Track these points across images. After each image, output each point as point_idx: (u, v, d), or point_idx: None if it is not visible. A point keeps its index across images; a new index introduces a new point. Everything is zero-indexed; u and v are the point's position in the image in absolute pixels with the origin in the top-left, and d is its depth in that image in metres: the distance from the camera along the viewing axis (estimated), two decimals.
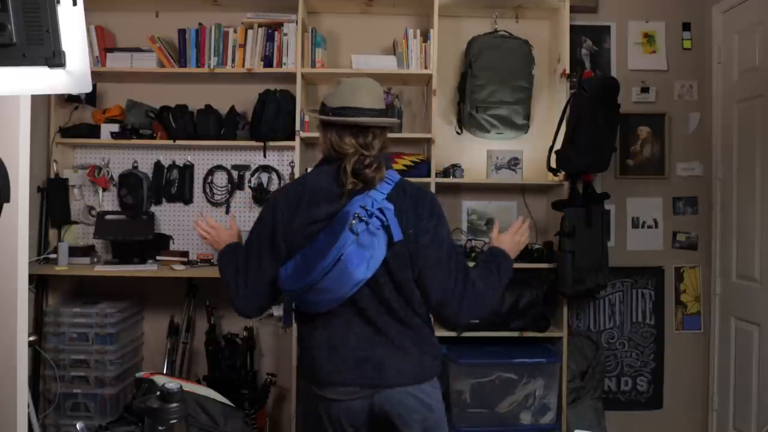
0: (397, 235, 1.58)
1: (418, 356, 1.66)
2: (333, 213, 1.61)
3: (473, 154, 3.31)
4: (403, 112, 3.23)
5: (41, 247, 3.19)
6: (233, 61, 3.16)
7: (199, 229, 1.92)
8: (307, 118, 3.15)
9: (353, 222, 1.54)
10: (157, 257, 3.18)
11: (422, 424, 1.63)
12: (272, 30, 3.17)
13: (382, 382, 1.63)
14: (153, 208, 3.36)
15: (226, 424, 1.81)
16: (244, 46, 3.16)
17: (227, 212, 3.38)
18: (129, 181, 3.30)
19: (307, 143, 3.29)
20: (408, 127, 3.28)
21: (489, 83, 3.14)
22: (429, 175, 3.09)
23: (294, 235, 1.63)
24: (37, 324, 3.04)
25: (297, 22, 3.11)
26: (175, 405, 1.21)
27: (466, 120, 3.21)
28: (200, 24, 3.20)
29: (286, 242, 1.64)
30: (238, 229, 1.92)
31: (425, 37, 3.13)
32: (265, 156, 3.32)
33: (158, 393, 1.23)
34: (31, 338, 1.95)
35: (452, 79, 3.32)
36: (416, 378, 1.66)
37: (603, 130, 2.95)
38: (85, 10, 1.01)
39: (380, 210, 1.58)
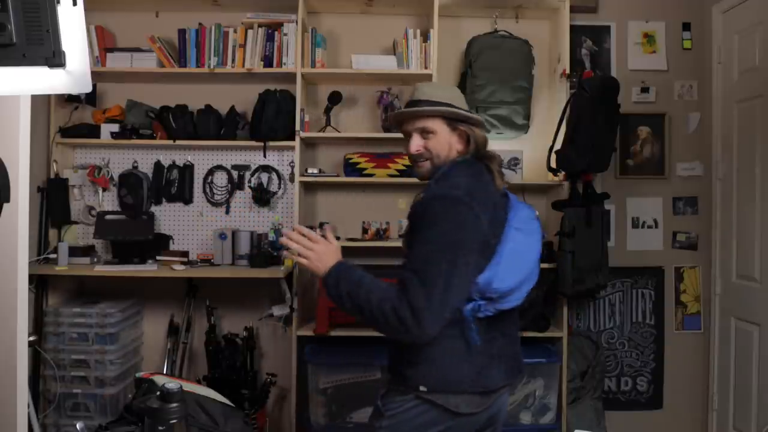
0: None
1: None
2: (506, 206, 1.70)
3: None
4: None
5: (41, 247, 3.19)
6: (233, 61, 3.16)
7: (293, 244, 1.59)
8: (307, 118, 3.15)
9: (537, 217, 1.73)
10: (157, 257, 3.18)
11: None
12: (272, 30, 3.17)
13: (521, 374, 1.79)
14: (153, 208, 3.36)
15: (226, 424, 1.81)
16: (244, 46, 3.16)
17: (227, 212, 3.38)
18: (129, 181, 3.30)
19: (307, 143, 3.29)
20: None
21: (489, 83, 3.14)
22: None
23: (498, 231, 1.61)
24: (37, 324, 3.04)
25: (297, 22, 3.11)
26: (175, 405, 1.22)
27: None
28: (200, 24, 3.20)
29: (494, 241, 1.59)
30: (337, 244, 1.64)
31: (425, 37, 3.13)
32: (265, 156, 3.32)
33: (158, 393, 1.23)
34: (31, 338, 1.95)
35: (452, 79, 3.32)
36: None
37: (603, 130, 2.95)
38: (85, 10, 1.01)
39: None
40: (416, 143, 1.72)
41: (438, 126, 1.69)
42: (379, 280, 1.54)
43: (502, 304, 1.62)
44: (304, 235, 1.60)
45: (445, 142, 1.70)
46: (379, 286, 1.52)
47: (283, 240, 1.61)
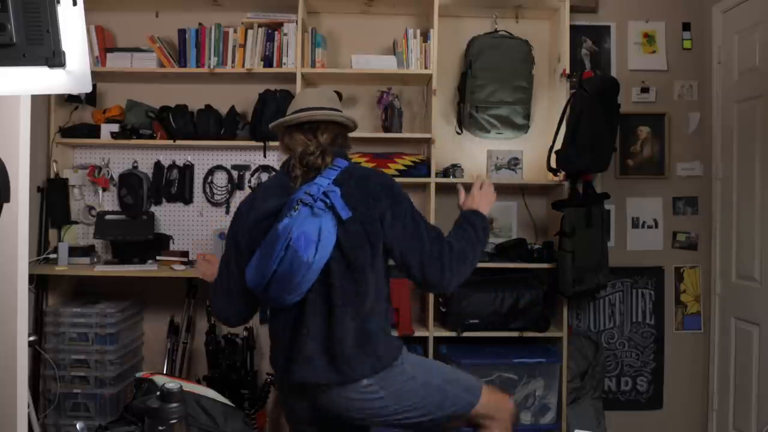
0: (345, 214, 1.65)
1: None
2: (283, 204, 1.69)
3: (473, 154, 3.31)
4: (403, 112, 3.23)
5: (41, 247, 3.19)
6: (233, 61, 3.16)
7: (198, 266, 2.07)
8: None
9: (296, 207, 1.63)
10: (157, 257, 3.17)
11: None
12: (272, 30, 3.17)
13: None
14: (153, 208, 3.36)
15: (226, 424, 1.81)
16: (244, 46, 3.16)
17: (227, 212, 3.38)
18: (129, 181, 3.30)
19: None
20: (408, 127, 3.28)
21: (489, 83, 3.14)
22: (429, 176, 3.09)
23: (250, 232, 1.73)
24: (37, 324, 3.04)
25: (297, 22, 3.11)
26: (175, 405, 1.22)
27: (466, 120, 3.21)
28: (200, 24, 3.20)
29: (245, 241, 1.74)
30: None
31: (425, 37, 3.13)
32: (265, 156, 3.31)
33: (158, 393, 1.23)
34: (31, 338, 1.94)
35: (452, 79, 3.32)
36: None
37: (603, 130, 2.95)
38: (85, 10, 1.01)
39: (324, 194, 1.66)
40: None
41: None
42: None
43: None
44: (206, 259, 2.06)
45: None
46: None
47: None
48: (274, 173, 1.95)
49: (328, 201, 1.65)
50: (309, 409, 1.79)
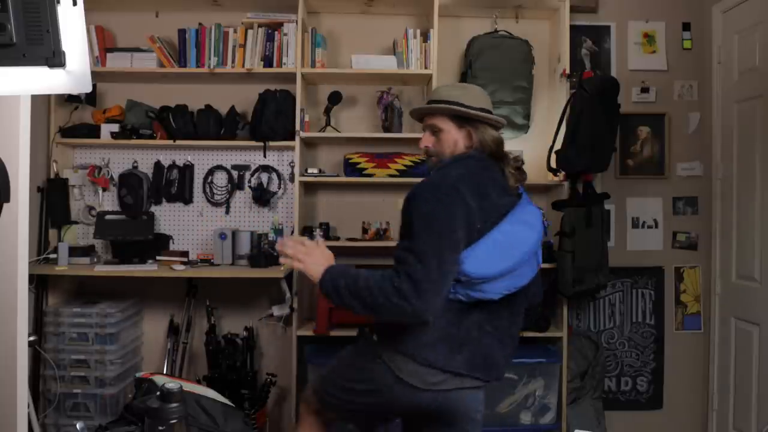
0: None
1: None
2: (512, 204, 1.72)
3: None
4: (403, 112, 3.23)
5: (41, 247, 3.19)
6: (233, 61, 3.16)
7: (288, 249, 1.69)
8: (307, 118, 3.15)
9: (545, 221, 1.75)
10: (157, 257, 3.17)
11: None
12: (272, 30, 3.17)
13: (495, 379, 1.79)
14: (153, 208, 3.36)
15: (226, 424, 1.81)
16: (244, 46, 3.16)
17: (227, 212, 3.38)
18: (129, 181, 3.30)
19: (307, 143, 3.29)
20: (408, 127, 3.28)
21: (489, 83, 3.13)
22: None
23: (486, 221, 1.66)
24: (37, 324, 3.04)
25: (297, 22, 3.11)
26: (175, 405, 1.22)
27: None
28: (200, 24, 3.20)
29: (480, 228, 1.65)
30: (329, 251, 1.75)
31: (425, 37, 3.13)
32: (265, 156, 3.32)
33: (158, 393, 1.23)
34: (31, 338, 1.95)
35: (452, 79, 3.32)
36: None
37: (603, 130, 2.95)
38: (85, 10, 1.01)
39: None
40: (424, 139, 1.86)
41: (445, 124, 1.80)
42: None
43: (475, 291, 1.64)
44: (299, 242, 1.72)
45: (451, 139, 1.80)
46: (376, 273, 1.61)
47: (279, 246, 1.73)
48: (466, 161, 1.76)
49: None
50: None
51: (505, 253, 1.64)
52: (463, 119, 1.78)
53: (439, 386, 1.67)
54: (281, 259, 1.71)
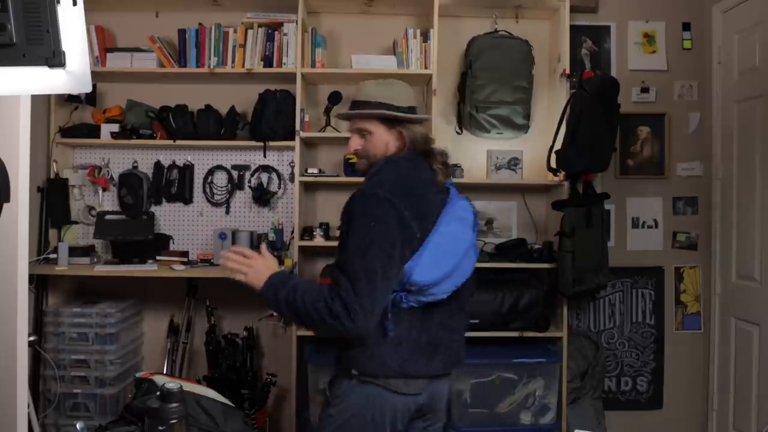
0: None
1: None
2: (443, 202, 1.72)
3: (473, 154, 3.31)
4: None
5: (41, 247, 3.19)
6: (233, 61, 3.16)
7: (230, 262, 1.69)
8: (307, 118, 3.15)
9: (474, 210, 1.77)
10: (157, 257, 3.18)
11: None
12: (272, 30, 3.17)
13: (457, 365, 1.81)
14: (153, 208, 3.36)
15: (226, 424, 1.81)
16: (244, 46, 3.16)
17: (227, 212, 3.38)
18: (129, 181, 3.30)
19: (307, 143, 3.29)
20: None
21: (489, 83, 3.14)
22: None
23: (425, 226, 1.65)
24: (37, 324, 3.04)
25: (297, 22, 3.11)
26: (175, 405, 1.21)
27: (466, 120, 3.21)
28: (200, 24, 3.20)
29: (419, 237, 1.63)
30: (274, 257, 1.75)
31: (425, 37, 3.13)
32: (265, 156, 3.32)
33: (158, 393, 1.23)
34: (31, 338, 1.94)
35: (452, 79, 3.32)
36: None
37: (603, 130, 2.95)
38: (85, 10, 1.01)
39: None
40: (352, 143, 1.81)
41: (374, 127, 1.77)
42: (314, 282, 1.64)
43: (426, 296, 1.66)
44: (240, 253, 1.70)
45: (381, 141, 1.77)
46: (312, 288, 1.60)
47: (222, 261, 1.71)
48: (399, 161, 1.74)
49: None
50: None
51: (447, 254, 1.65)
52: (393, 120, 1.75)
53: (424, 388, 1.74)
54: (223, 272, 1.71)
